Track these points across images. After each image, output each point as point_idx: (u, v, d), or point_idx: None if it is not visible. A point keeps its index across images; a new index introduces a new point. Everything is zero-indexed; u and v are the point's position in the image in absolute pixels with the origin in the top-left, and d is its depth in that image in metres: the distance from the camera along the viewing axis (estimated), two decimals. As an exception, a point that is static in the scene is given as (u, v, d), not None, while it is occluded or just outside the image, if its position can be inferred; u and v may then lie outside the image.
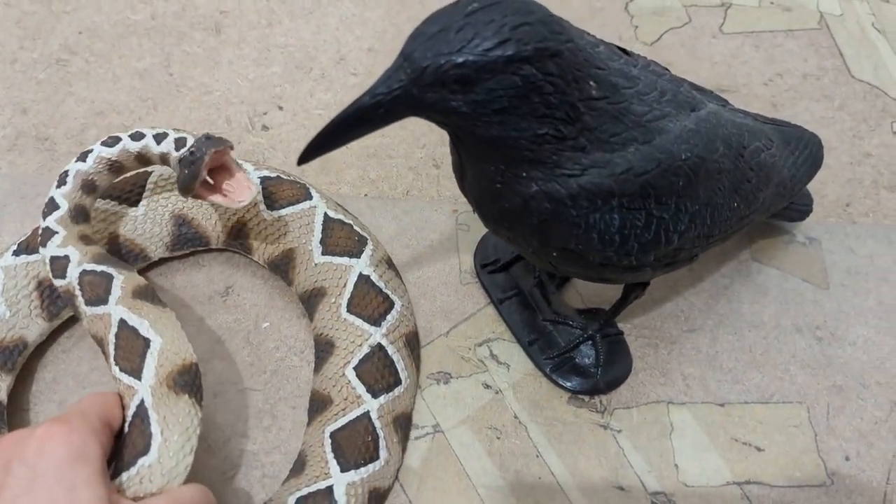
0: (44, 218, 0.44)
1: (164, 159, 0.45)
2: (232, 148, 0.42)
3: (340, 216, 0.49)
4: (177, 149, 0.44)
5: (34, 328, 0.46)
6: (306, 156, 0.34)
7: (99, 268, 0.42)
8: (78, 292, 0.42)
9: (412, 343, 0.47)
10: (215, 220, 0.50)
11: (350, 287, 0.46)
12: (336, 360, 0.45)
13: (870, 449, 0.46)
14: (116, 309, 0.40)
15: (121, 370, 0.39)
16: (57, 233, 0.43)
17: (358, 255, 0.48)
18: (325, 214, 0.49)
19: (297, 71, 0.63)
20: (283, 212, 0.49)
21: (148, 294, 0.42)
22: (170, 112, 0.60)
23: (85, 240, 0.44)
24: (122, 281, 0.42)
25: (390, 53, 0.65)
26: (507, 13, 0.30)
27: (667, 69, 0.41)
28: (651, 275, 0.42)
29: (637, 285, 0.46)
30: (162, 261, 0.51)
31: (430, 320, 0.50)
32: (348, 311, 0.46)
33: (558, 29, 0.31)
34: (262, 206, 0.49)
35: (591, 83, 0.33)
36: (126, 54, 0.63)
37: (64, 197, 0.44)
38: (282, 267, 0.49)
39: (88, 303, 0.41)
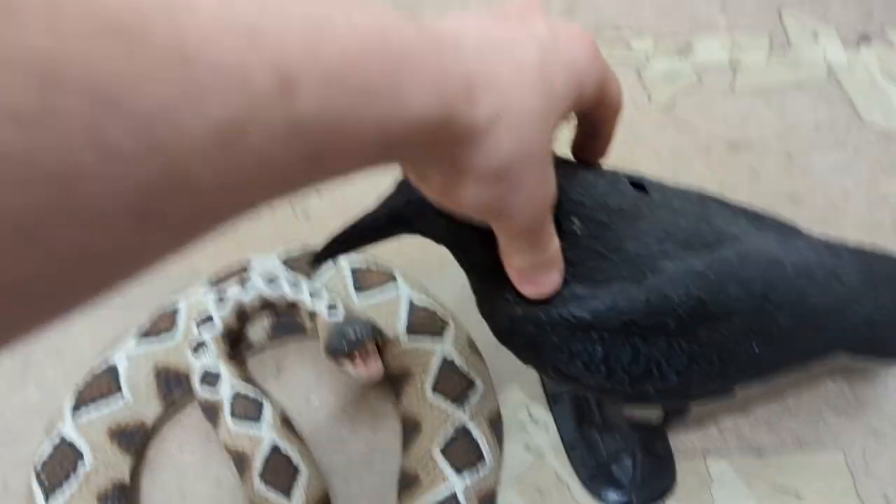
0: (198, 330, 0.50)
1: (312, 315, 0.51)
2: (383, 336, 0.49)
3: (423, 299, 0.53)
4: (328, 313, 0.50)
5: (152, 412, 0.51)
6: (319, 260, 0.37)
7: (250, 391, 0.49)
8: (226, 408, 0.47)
9: (495, 422, 0.50)
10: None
11: (434, 369, 0.50)
12: (422, 440, 0.47)
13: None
14: (268, 433, 0.47)
15: (267, 487, 0.45)
16: (210, 348, 0.50)
17: (441, 338, 0.51)
18: (410, 298, 0.53)
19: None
20: (371, 296, 0.53)
21: (290, 423, 0.49)
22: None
23: (232, 359, 0.51)
24: (271, 408, 0.48)
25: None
26: None
27: (703, 198, 0.40)
28: (667, 403, 0.41)
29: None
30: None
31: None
32: (433, 392, 0.49)
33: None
34: (353, 292, 0.53)
35: (575, 220, 0.34)
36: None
37: (220, 317, 0.51)
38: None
39: (236, 421, 0.47)
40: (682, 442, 0.50)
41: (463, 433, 0.47)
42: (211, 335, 0.50)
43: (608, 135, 0.36)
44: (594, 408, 0.50)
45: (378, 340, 0.48)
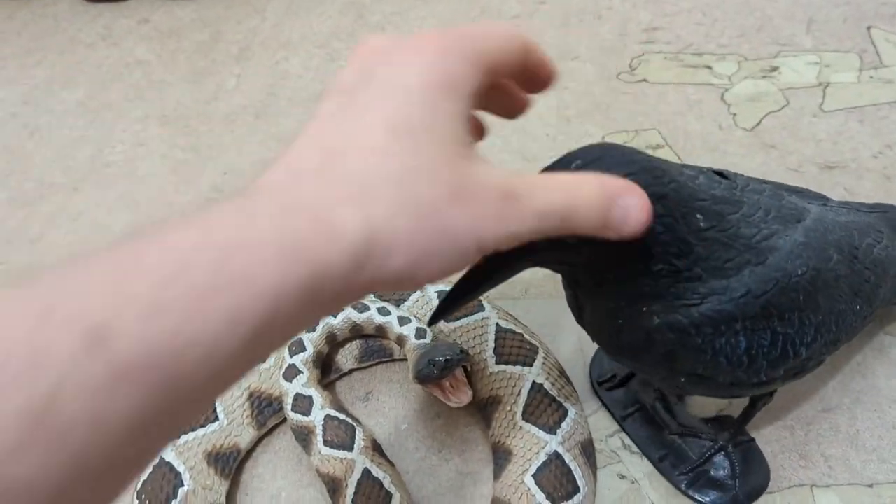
0: (290, 355, 0.51)
1: (400, 341, 0.51)
2: (471, 361, 0.49)
3: (511, 325, 0.52)
4: (416, 337, 0.50)
5: (246, 435, 0.51)
6: (436, 318, 0.36)
7: (342, 416, 0.49)
8: (319, 432, 0.48)
9: (588, 450, 0.48)
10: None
11: (524, 395, 0.48)
12: (514, 467, 0.46)
13: None
14: (360, 458, 0.46)
15: None
16: (302, 372, 0.50)
17: (530, 363, 0.50)
18: (497, 324, 0.52)
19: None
20: (459, 323, 0.53)
21: (380, 449, 0.49)
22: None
23: (320, 383, 0.51)
24: (362, 433, 0.48)
25: (498, 164, 0.69)
26: (611, 166, 0.31)
27: (766, 183, 0.41)
28: (781, 385, 0.41)
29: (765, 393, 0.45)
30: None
31: (559, 414, 0.52)
32: (524, 419, 0.48)
33: (660, 173, 0.33)
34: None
35: (698, 216, 0.34)
36: (265, 188, 0.71)
37: (310, 341, 0.52)
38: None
39: (330, 445, 0.47)
40: (786, 473, 0.47)
41: (556, 460, 0.46)
42: (302, 359, 0.51)
43: (544, 82, 0.32)
44: (664, 415, 0.50)
45: (467, 366, 0.47)
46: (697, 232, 0.34)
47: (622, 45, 0.81)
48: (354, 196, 0.24)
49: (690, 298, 0.34)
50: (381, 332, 0.53)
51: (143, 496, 0.47)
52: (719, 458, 0.47)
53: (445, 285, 0.55)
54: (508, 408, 0.49)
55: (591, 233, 0.29)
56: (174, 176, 0.74)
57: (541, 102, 0.75)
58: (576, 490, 0.45)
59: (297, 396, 0.49)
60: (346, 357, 0.55)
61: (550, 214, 0.27)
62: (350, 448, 0.47)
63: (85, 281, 0.20)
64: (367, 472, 0.46)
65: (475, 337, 0.52)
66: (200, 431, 0.50)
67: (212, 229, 0.22)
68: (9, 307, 0.19)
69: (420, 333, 0.50)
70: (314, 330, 0.52)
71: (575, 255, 0.33)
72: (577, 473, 0.46)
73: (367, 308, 0.52)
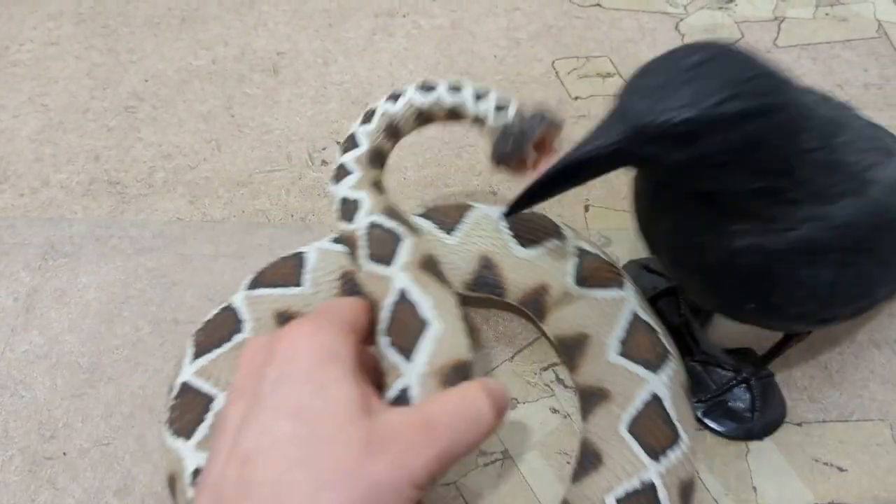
0: (342, 153, 0.43)
1: (477, 120, 0.42)
2: (561, 129, 0.39)
3: (650, 320, 0.44)
4: (495, 116, 0.41)
5: None
6: (516, 207, 0.34)
7: (389, 223, 0.40)
8: (364, 243, 0.40)
9: (687, 493, 0.40)
10: (519, 275, 0.46)
11: (638, 404, 0.40)
12: (598, 478, 0.39)
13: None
14: (400, 276, 0.38)
15: (391, 345, 0.36)
16: (352, 173, 0.42)
17: (656, 369, 0.42)
18: (635, 313, 0.43)
19: (354, 106, 0.65)
20: (592, 293, 0.44)
21: (435, 268, 0.40)
22: (233, 152, 0.62)
23: (377, 187, 0.43)
24: (411, 245, 0.39)
25: (443, 84, 0.66)
26: (733, 66, 0.29)
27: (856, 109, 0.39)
28: (839, 323, 0.40)
29: None
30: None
31: (493, 346, 0.50)
32: (629, 429, 0.40)
33: (782, 82, 0.30)
34: (572, 281, 0.45)
35: (807, 135, 0.31)
36: (189, 98, 0.66)
37: (366, 136, 0.43)
38: (570, 349, 0.45)
39: (372, 258, 0.40)
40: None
41: (648, 492, 0.38)
42: (354, 157, 0.43)
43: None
44: (691, 343, 0.48)
45: (557, 128, 0.38)
46: (804, 153, 0.31)
47: None
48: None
49: (784, 223, 0.32)
50: (454, 115, 0.43)
51: (201, 334, 0.43)
52: (739, 390, 0.47)
53: (588, 245, 0.47)
54: (615, 409, 0.41)
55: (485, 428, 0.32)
56: (89, 80, 0.68)
57: (490, 22, 0.72)
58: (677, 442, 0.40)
59: (344, 201, 0.42)
60: (456, 279, 0.46)
61: (467, 419, 0.31)
62: (389, 262, 0.39)
63: None
64: (403, 295, 0.37)
65: (603, 315, 0.44)
66: (279, 291, 0.45)
67: None
68: None
69: (501, 108, 0.41)
70: (370, 121, 0.43)
71: (672, 168, 0.31)
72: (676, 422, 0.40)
73: (433, 88, 0.42)
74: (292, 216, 0.57)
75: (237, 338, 0.43)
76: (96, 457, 0.46)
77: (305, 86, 0.67)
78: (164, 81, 0.67)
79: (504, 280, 0.46)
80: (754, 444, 0.45)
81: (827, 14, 0.70)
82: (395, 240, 0.39)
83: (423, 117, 0.44)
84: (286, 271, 0.46)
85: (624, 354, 0.42)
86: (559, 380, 0.48)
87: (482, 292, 0.47)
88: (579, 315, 0.45)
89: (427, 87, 0.43)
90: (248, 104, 0.65)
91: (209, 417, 0.41)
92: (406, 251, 0.39)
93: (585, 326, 0.44)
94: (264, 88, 0.66)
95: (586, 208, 0.57)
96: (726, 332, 0.50)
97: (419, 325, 0.36)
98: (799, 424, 0.46)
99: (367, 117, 0.44)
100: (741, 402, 0.46)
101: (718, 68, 0.29)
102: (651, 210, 0.37)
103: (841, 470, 0.44)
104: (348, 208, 0.42)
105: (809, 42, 0.68)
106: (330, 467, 0.28)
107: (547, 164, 0.37)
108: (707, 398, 0.46)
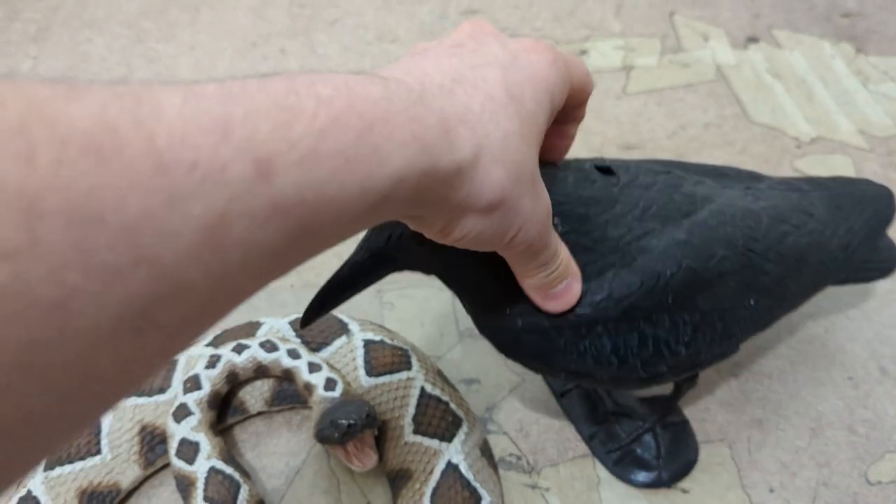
0: (184, 392, 0.46)
1: (308, 388, 0.47)
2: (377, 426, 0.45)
3: (438, 391, 0.47)
4: (325, 388, 0.46)
5: (130, 473, 0.46)
6: (307, 319, 0.35)
7: (227, 470, 0.44)
8: (200, 485, 0.43)
9: None
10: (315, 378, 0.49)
11: (437, 475, 0.44)
12: None
13: (793, 479, 0.47)
14: None
15: None
16: (193, 414, 0.45)
17: (450, 439, 0.45)
18: (423, 388, 0.47)
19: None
20: (380, 380, 0.48)
21: None
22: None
23: (213, 428, 0.46)
24: (247, 492, 0.43)
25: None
26: None
27: (666, 168, 0.39)
28: (679, 378, 0.41)
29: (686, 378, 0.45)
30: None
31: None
32: (431, 502, 0.43)
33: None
34: (362, 372, 0.48)
35: (556, 219, 0.33)
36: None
37: (208, 379, 0.47)
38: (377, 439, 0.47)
39: (208, 501, 0.42)
40: (571, 444, 0.49)
41: None
42: (195, 399, 0.46)
43: (578, 119, 0.36)
44: (603, 394, 0.49)
45: (375, 430, 0.44)
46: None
47: (441, 28, 0.81)
48: (471, 125, 0.26)
49: None
50: (288, 376, 0.48)
51: None
52: (647, 438, 0.47)
53: (373, 334, 0.50)
54: (417, 486, 0.44)
55: (539, 287, 0.33)
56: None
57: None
58: None
59: (183, 441, 0.44)
60: (256, 397, 0.49)
61: (548, 250, 0.32)
62: None
63: (253, 108, 0.20)
64: None
65: (395, 399, 0.47)
66: (78, 465, 0.44)
67: (356, 94, 0.23)
68: (191, 112, 0.19)
69: (330, 385, 0.46)
70: (214, 366, 0.47)
71: (437, 261, 0.34)
72: None
73: (275, 348, 0.48)
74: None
75: None
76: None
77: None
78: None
79: (301, 387, 0.48)
80: (604, 474, 0.47)
81: (670, 61, 0.76)
82: (233, 486, 0.43)
83: (261, 370, 0.48)
84: (85, 440, 0.46)
85: (418, 432, 0.45)
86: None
87: (285, 405, 0.50)
88: (376, 404, 0.48)
89: (269, 348, 0.48)
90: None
91: None
92: (244, 498, 0.43)
93: (382, 413, 0.47)
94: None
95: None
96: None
97: None
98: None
99: (213, 363, 0.47)
100: (648, 450, 0.47)
101: None
102: (460, 299, 0.39)
103: (685, 491, 0.47)
104: (188, 450, 0.44)
105: (655, 87, 0.73)
106: (512, 157, 0.28)
107: (364, 456, 0.43)
108: (616, 448, 0.48)
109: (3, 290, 0.15)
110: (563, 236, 0.33)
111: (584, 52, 0.77)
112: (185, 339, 0.20)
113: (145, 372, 0.20)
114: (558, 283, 0.34)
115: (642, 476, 0.47)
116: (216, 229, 0.19)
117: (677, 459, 0.47)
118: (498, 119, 0.27)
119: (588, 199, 0.35)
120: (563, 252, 0.33)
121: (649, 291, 0.34)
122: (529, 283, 0.34)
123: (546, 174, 0.32)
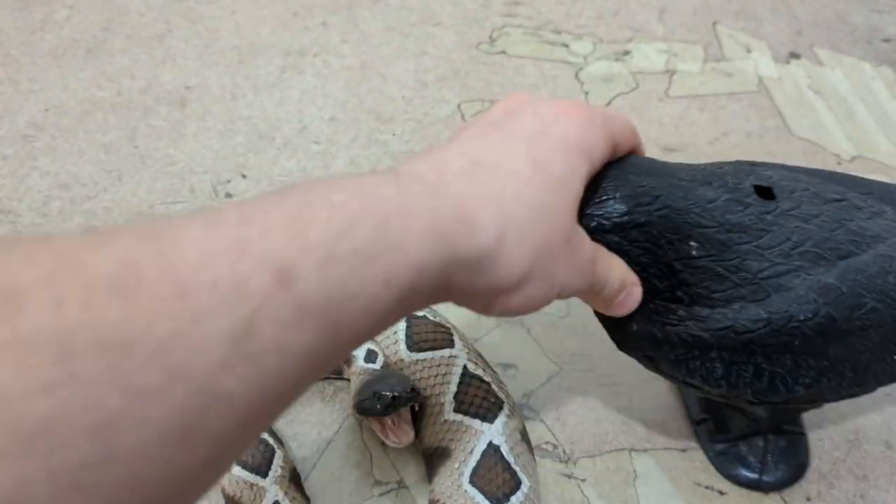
0: None
1: (346, 359, 0.46)
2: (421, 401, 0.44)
3: (480, 371, 0.47)
4: (365, 359, 0.46)
5: None
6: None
7: (263, 434, 0.43)
8: None
9: None
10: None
11: (477, 455, 0.43)
12: None
13: (830, 489, 0.47)
14: (273, 488, 0.42)
15: None
16: None
17: (491, 420, 0.44)
18: (465, 367, 0.46)
19: (261, 141, 0.65)
20: (422, 355, 0.47)
21: (297, 480, 0.44)
22: (135, 183, 0.61)
23: None
24: (281, 459, 0.43)
25: (351, 122, 0.67)
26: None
27: (843, 192, 0.37)
28: (804, 408, 0.41)
29: None
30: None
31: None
32: (470, 482, 0.42)
33: (647, 200, 0.33)
34: (403, 346, 0.48)
35: (692, 243, 0.33)
36: (91, 128, 0.65)
37: None
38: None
39: (241, 464, 0.42)
40: (608, 437, 0.48)
41: None
42: None
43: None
44: None
45: (415, 406, 0.43)
46: (687, 259, 0.33)
47: (484, 16, 0.80)
48: (492, 207, 0.27)
49: (666, 317, 0.34)
50: None
51: None
52: (757, 439, 0.46)
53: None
54: (456, 465, 0.43)
55: (599, 305, 0.35)
56: (-15, 108, 0.66)
57: (399, 65, 0.74)
58: None
59: None
60: None
61: (597, 283, 0.32)
62: (265, 473, 0.42)
63: (268, 225, 0.21)
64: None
65: (437, 376, 0.46)
66: None
67: (369, 195, 0.24)
68: (209, 238, 0.20)
69: (371, 356, 0.45)
70: None
71: None
72: None
73: None
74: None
75: None
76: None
77: (213, 119, 0.67)
78: (65, 111, 0.66)
79: None
80: (641, 469, 0.47)
81: (713, 69, 0.76)
82: (268, 451, 0.43)
83: None
84: None
85: (459, 410, 0.45)
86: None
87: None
88: (416, 380, 0.47)
89: None
90: (152, 136, 0.65)
91: None
92: (278, 464, 0.43)
93: (422, 390, 0.46)
94: (170, 121, 0.66)
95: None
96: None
97: None
98: (683, 450, 0.48)
99: None
100: (754, 452, 0.46)
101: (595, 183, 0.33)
102: None
103: (721, 493, 0.46)
104: None
105: (698, 93, 0.73)
106: (540, 227, 0.28)
107: (400, 431, 0.43)
108: (723, 440, 0.47)
109: (49, 420, 0.17)
110: (696, 259, 0.33)
111: (627, 53, 0.77)
112: (234, 448, 0.21)
113: (198, 488, 0.21)
114: (615, 297, 0.34)
115: (741, 476, 0.46)
116: (245, 338, 0.20)
117: (784, 468, 0.46)
118: (521, 196, 0.28)
119: (734, 225, 0.34)
120: (616, 270, 0.34)
121: (775, 331, 0.33)
122: (594, 307, 0.35)
123: (695, 191, 0.32)
